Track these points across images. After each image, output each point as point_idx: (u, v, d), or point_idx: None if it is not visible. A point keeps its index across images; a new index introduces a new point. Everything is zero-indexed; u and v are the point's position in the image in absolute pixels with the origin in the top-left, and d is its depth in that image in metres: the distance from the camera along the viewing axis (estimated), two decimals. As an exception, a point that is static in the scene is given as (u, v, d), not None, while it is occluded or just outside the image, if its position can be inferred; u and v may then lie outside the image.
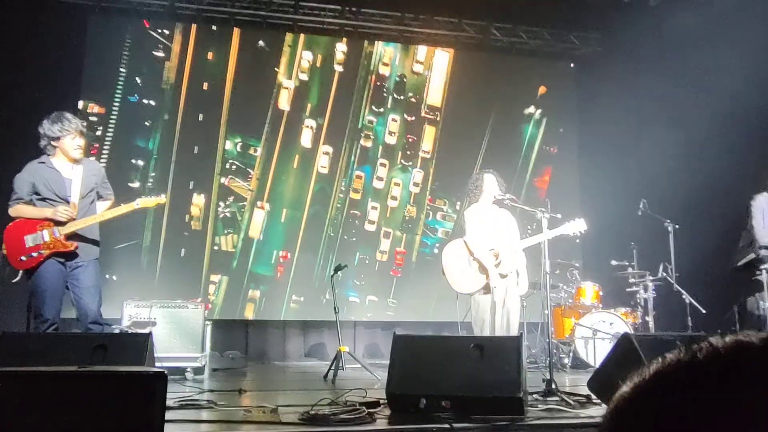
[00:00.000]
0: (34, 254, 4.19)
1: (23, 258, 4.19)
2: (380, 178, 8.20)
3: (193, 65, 7.70)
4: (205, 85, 7.73)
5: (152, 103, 7.59)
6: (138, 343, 3.51)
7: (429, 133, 8.30)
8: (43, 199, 4.29)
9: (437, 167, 8.25)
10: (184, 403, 3.74)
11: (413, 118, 8.27)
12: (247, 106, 7.81)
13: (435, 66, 8.42)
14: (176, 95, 7.65)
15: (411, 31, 8.14)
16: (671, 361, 0.52)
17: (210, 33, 7.83)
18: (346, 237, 7.90)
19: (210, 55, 7.80)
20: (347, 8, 7.82)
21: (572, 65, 8.71)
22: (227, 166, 7.75)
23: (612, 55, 7.91)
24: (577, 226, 4.97)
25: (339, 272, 5.93)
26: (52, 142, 4.30)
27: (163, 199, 4.59)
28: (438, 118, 8.33)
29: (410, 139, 8.25)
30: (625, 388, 0.54)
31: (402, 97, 8.32)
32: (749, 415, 0.46)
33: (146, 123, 7.58)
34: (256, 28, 7.83)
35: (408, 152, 8.26)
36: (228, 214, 7.72)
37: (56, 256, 4.22)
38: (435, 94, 8.39)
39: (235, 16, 7.69)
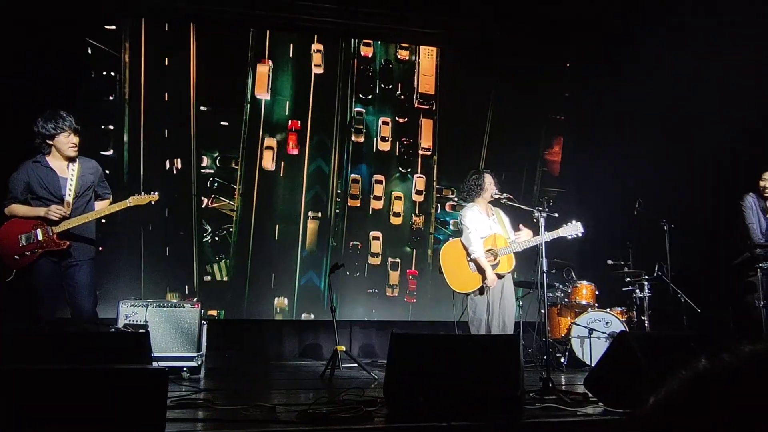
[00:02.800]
0: (28, 253, 4.17)
1: (17, 257, 4.17)
2: (378, 197, 7.83)
3: (149, 75, 7.32)
4: (166, 96, 7.38)
5: (110, 127, 7.23)
6: (135, 343, 3.49)
7: (426, 128, 8.06)
8: (38, 198, 4.27)
9: (441, 160, 8.02)
10: (181, 402, 3.73)
11: (405, 119, 8.04)
12: (218, 113, 7.51)
13: (422, 50, 8.18)
14: (135, 111, 7.25)
15: (407, 30, 8.11)
16: (705, 368, 0.52)
17: (168, 35, 7.44)
18: (348, 273, 7.48)
19: (166, 61, 7.40)
20: (344, 7, 7.80)
21: (568, 65, 8.71)
22: (208, 184, 7.39)
23: (608, 54, 7.92)
24: (574, 229, 5.00)
25: (336, 271, 5.93)
26: (47, 141, 4.27)
27: (156, 196, 4.52)
28: (434, 107, 8.12)
29: (406, 142, 8.00)
30: (654, 398, 0.54)
31: (390, 87, 8.03)
32: None
33: (107, 146, 7.11)
34: (252, 27, 7.79)
35: (405, 157, 7.97)
36: (217, 239, 7.35)
37: (50, 255, 4.20)
38: (426, 80, 8.12)
39: (228, 15, 7.64)
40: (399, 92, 8.12)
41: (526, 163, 8.33)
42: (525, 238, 5.11)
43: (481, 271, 5.04)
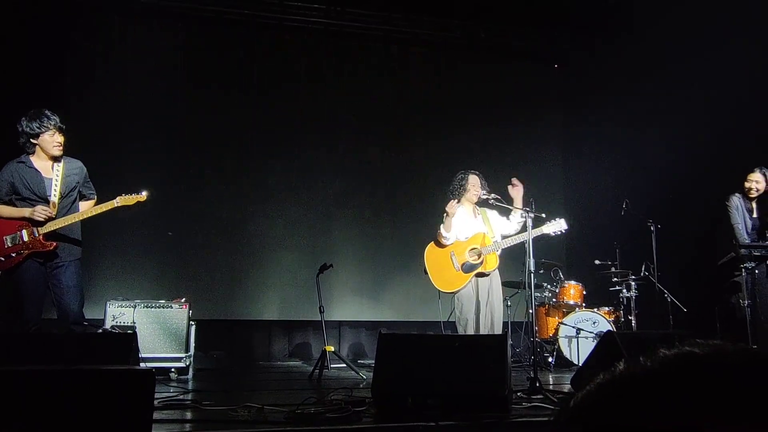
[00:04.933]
0: (13, 254, 4.13)
1: (2, 259, 4.13)
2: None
3: (135, 73, 7.38)
4: (153, 95, 7.34)
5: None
6: (122, 343, 3.48)
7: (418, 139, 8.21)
8: (23, 199, 4.23)
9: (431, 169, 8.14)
10: (169, 403, 3.72)
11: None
12: (206, 111, 7.59)
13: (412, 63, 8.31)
14: (118, 110, 7.30)
15: (396, 30, 8.11)
16: (622, 371, 0.55)
17: (156, 34, 7.48)
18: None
19: (154, 59, 7.43)
20: (332, 7, 7.79)
21: (556, 66, 8.76)
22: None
23: (596, 56, 7.98)
24: (557, 226, 5.02)
25: (324, 272, 5.92)
26: (32, 140, 4.23)
27: (143, 196, 4.46)
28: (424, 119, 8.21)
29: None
30: (573, 399, 0.56)
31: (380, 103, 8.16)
32: (688, 423, 0.48)
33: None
34: (241, 27, 7.77)
35: (394, 172, 8.11)
36: (205, 239, 7.42)
37: (36, 256, 4.16)
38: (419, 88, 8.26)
39: (221, 15, 7.61)
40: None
41: (516, 164, 8.35)
42: (516, 193, 5.08)
43: (453, 263, 5.07)
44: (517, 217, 5.12)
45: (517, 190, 5.08)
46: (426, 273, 5.22)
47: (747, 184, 5.36)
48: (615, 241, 6.70)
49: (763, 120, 5.75)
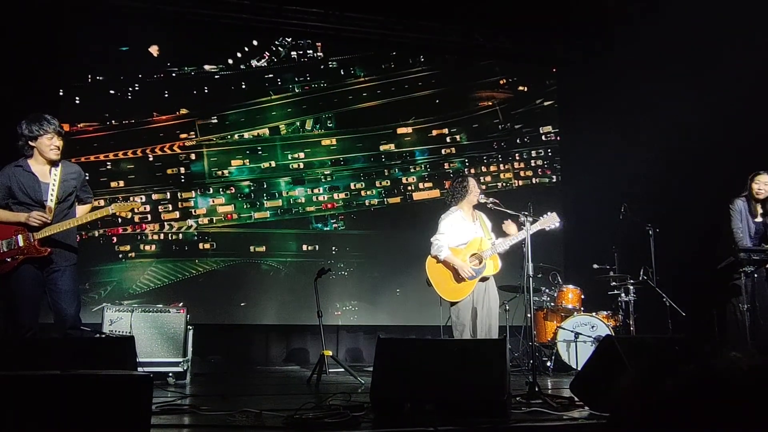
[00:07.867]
0: (9, 259, 4.10)
1: (-3, 263, 4.10)
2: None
3: (131, 79, 7.45)
4: (151, 101, 7.47)
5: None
6: (120, 348, 3.46)
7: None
8: (20, 203, 4.20)
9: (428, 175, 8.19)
10: (166, 408, 3.71)
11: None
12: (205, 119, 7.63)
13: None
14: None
15: (393, 35, 8.12)
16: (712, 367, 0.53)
17: (150, 37, 7.51)
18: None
19: (147, 62, 7.51)
20: (330, 12, 7.80)
21: (554, 70, 8.77)
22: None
23: (594, 60, 7.99)
24: (551, 221, 5.01)
25: (322, 276, 5.91)
26: (30, 142, 4.22)
27: (138, 203, 4.47)
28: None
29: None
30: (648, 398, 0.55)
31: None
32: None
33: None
34: (238, 31, 7.77)
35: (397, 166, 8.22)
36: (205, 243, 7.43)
37: (31, 261, 4.14)
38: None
39: (218, 19, 7.61)
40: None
41: (514, 168, 8.38)
42: (512, 230, 5.10)
43: (456, 273, 5.03)
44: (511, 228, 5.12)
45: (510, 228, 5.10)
46: (429, 285, 5.18)
47: (755, 186, 5.31)
48: (613, 245, 6.70)
49: (762, 123, 5.75)
